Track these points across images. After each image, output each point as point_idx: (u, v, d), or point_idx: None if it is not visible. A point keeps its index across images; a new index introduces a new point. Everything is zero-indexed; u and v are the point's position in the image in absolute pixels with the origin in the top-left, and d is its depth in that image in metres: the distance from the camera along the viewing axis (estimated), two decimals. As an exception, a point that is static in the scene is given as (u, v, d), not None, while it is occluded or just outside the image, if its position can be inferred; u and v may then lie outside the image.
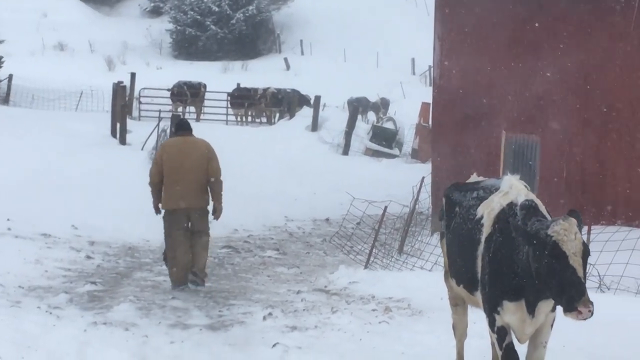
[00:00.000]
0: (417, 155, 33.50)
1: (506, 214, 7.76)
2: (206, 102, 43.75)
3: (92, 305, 12.37)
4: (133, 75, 42.77)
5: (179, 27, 78.97)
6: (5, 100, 43.13)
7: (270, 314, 12.17)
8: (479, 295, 8.08)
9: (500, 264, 7.66)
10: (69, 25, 79.48)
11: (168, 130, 25.70)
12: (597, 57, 17.34)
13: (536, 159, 18.17)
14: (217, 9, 77.90)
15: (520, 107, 18.32)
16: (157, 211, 14.06)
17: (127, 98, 35.67)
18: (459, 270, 8.47)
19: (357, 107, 37.21)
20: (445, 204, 9.00)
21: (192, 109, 43.44)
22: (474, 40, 18.98)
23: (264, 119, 43.54)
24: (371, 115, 46.48)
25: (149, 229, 18.87)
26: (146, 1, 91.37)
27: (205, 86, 43.72)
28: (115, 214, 19.45)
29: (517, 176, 8.24)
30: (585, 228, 12.29)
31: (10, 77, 44.38)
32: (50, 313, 11.52)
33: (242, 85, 46.06)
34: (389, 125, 35.93)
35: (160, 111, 31.77)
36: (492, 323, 7.85)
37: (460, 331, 9.28)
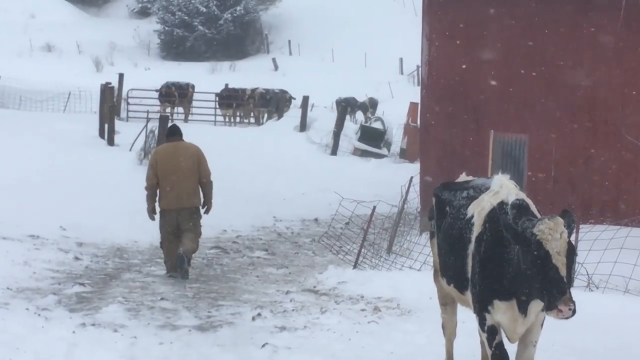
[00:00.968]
0: (405, 155, 33.51)
1: (497, 213, 7.76)
2: (194, 103, 43.75)
3: (81, 307, 12.33)
4: (121, 76, 42.73)
5: (166, 28, 78.98)
6: (-7, 101, 43.05)
7: (259, 314, 12.16)
8: (469, 295, 8.09)
9: (490, 263, 7.66)
10: (57, 26, 79.38)
11: (156, 131, 25.67)
12: (585, 56, 17.39)
13: (524, 158, 18.20)
14: (204, 10, 77.92)
15: (508, 106, 18.36)
16: (152, 216, 15.21)
17: (115, 99, 35.62)
18: (449, 270, 8.47)
19: (346, 107, 37.23)
20: (435, 203, 9.00)
21: (180, 109, 43.41)
22: (462, 40, 19.00)
23: (252, 120, 43.53)
24: (359, 115, 46.52)
25: (137, 230, 18.85)
26: (134, 2, 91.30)
27: (193, 87, 43.70)
28: (103, 215, 19.39)
29: (507, 175, 8.25)
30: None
31: (-3, 78, 44.31)
32: (39, 315, 11.48)
33: (230, 86, 46.03)
34: (377, 125, 35.93)
35: (148, 112, 31.75)
36: (482, 322, 7.85)
37: (449, 330, 9.29)
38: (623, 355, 10.19)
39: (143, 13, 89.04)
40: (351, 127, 35.64)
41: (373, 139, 34.40)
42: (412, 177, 18.30)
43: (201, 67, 69.89)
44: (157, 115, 30.01)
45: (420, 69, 24.39)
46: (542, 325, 7.93)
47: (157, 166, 14.79)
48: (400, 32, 71.73)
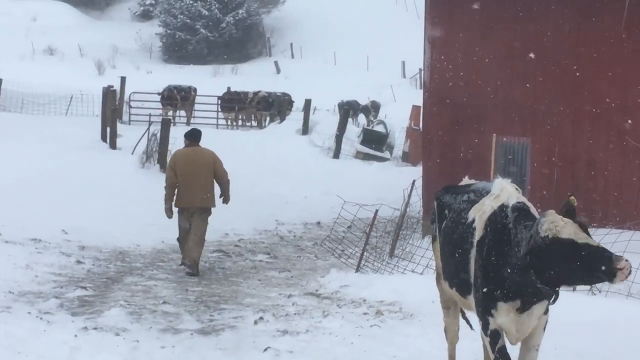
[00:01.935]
0: (407, 158, 33.46)
1: (497, 217, 7.75)
2: (196, 106, 43.71)
3: (83, 310, 12.33)
4: (123, 79, 42.74)
5: (169, 31, 78.98)
6: (-5, 105, 43.05)
7: (261, 318, 12.15)
8: (471, 298, 8.08)
9: (493, 266, 7.65)
10: (59, 29, 79.39)
11: (158, 135, 25.67)
12: (588, 59, 17.38)
13: (527, 162, 18.19)
14: (207, 13, 77.92)
15: (510, 109, 18.34)
16: (169, 214, 16.07)
17: (117, 102, 35.64)
18: (452, 274, 8.46)
19: (348, 110, 37.16)
20: (437, 207, 9.00)
21: (183, 113, 43.41)
22: (464, 43, 19.00)
23: (255, 123, 43.52)
24: (362, 119, 46.47)
25: (139, 233, 18.88)
26: (136, 5, 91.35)
27: (195, 90, 43.68)
28: (105, 218, 19.41)
29: (508, 179, 8.24)
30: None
31: (-1, 81, 44.32)
32: (41, 318, 11.48)
33: (232, 89, 46.00)
34: (379, 128, 35.87)
35: (150, 115, 31.78)
36: (485, 326, 7.84)
37: (452, 334, 9.28)
38: (625, 358, 10.18)
39: (145, 16, 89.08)
40: (353, 131, 35.59)
41: (375, 142, 34.36)
42: (414, 181, 18.28)
43: (203, 70, 69.91)
44: (159, 119, 30.00)
45: (422, 72, 24.40)
46: (544, 328, 7.92)
47: (175, 168, 15.88)
48: (403, 35, 71.72)
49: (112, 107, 31.04)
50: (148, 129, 26.66)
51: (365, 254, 15.96)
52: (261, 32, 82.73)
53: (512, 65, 18.31)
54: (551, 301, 7.39)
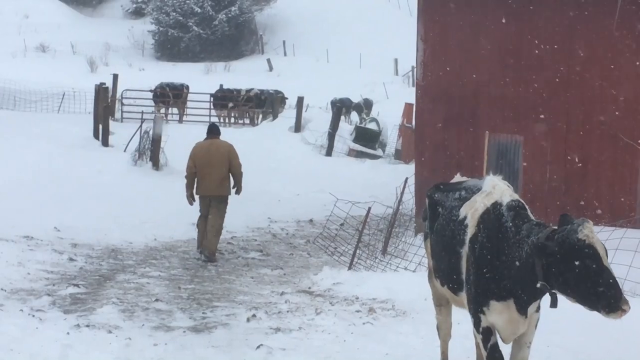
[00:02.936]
0: (400, 156, 33.48)
1: (491, 214, 7.76)
2: (189, 104, 43.71)
3: (75, 308, 12.32)
4: (115, 76, 42.72)
5: (161, 28, 78.93)
6: (-13, 102, 42.97)
7: (254, 315, 12.16)
8: (463, 296, 8.08)
9: (486, 264, 7.65)
10: (51, 26, 79.32)
11: (151, 132, 25.65)
12: (581, 58, 17.40)
13: (519, 159, 18.21)
14: (199, 10, 77.85)
15: (503, 107, 18.36)
16: (190, 200, 17.35)
17: (109, 99, 35.59)
18: (444, 271, 8.46)
19: (341, 107, 37.16)
20: (429, 204, 9.00)
21: (175, 110, 43.39)
22: (457, 40, 19.00)
23: (247, 120, 43.51)
24: (354, 116, 46.47)
25: (132, 231, 18.86)
26: (128, 2, 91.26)
27: (187, 87, 43.68)
28: (98, 215, 19.40)
29: (499, 176, 8.24)
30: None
31: (-9, 79, 44.25)
32: (33, 316, 11.48)
33: (224, 87, 46.00)
34: (372, 126, 35.88)
35: (142, 112, 31.65)
36: (477, 323, 7.84)
37: (444, 332, 9.29)
38: (617, 356, 10.20)
39: (137, 13, 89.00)
40: (346, 128, 35.59)
41: (368, 139, 34.38)
42: (407, 178, 18.28)
43: (196, 68, 69.86)
44: (152, 116, 29.97)
45: (415, 69, 24.39)
46: (536, 326, 7.93)
47: (194, 158, 17.17)
48: (395, 32, 71.72)
49: (105, 104, 31.01)
50: (140, 126, 26.64)
51: (358, 251, 15.96)
52: (254, 30, 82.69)
53: (505, 63, 18.32)
54: (551, 304, 7.34)
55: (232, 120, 43.81)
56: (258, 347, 10.49)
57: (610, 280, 6.93)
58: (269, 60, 73.08)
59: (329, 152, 32.16)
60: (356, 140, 34.03)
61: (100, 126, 29.24)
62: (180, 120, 42.05)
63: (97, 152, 27.14)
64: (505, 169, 17.86)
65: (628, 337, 10.52)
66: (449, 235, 8.25)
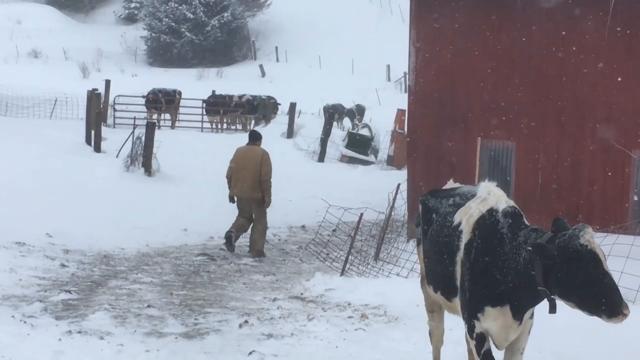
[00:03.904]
0: (392, 162, 33.49)
1: (486, 220, 7.75)
2: (181, 110, 43.69)
3: (67, 314, 12.28)
4: (108, 82, 42.69)
5: (153, 34, 78.97)
6: (-21, 108, 42.90)
7: (246, 321, 12.14)
8: (456, 302, 8.07)
9: (482, 269, 7.63)
10: (43, 32, 79.32)
11: (143, 138, 25.63)
12: (572, 63, 17.43)
13: (511, 165, 18.23)
14: (192, 16, 77.89)
15: (495, 113, 18.38)
16: (230, 200, 18.70)
17: (101, 105, 35.56)
18: (437, 277, 8.44)
19: (333, 113, 37.17)
20: (422, 210, 8.98)
21: (167, 116, 43.37)
22: (449, 47, 19.02)
23: (240, 126, 43.51)
24: (347, 122, 46.52)
25: (124, 236, 18.86)
26: (121, 8, 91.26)
27: (180, 93, 43.67)
28: (90, 221, 19.38)
29: (494, 182, 8.24)
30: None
31: (-17, 85, 44.19)
32: (25, 322, 11.44)
33: (217, 92, 46.01)
34: (364, 132, 35.92)
35: (135, 118, 31.69)
36: (471, 329, 7.83)
37: (436, 338, 9.28)
38: (609, 362, 10.21)
39: (130, 19, 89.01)
40: (338, 134, 35.63)
41: (360, 145, 34.41)
42: (399, 184, 18.29)
43: (188, 74, 69.87)
44: (144, 122, 29.96)
45: (407, 75, 24.39)
46: (529, 332, 7.92)
47: (233, 161, 18.53)
48: (388, 38, 71.80)
49: (97, 110, 30.98)
50: (132, 132, 26.63)
51: (350, 257, 15.96)
52: (246, 36, 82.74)
53: (497, 69, 18.34)
54: (549, 310, 7.33)
55: (225, 126, 43.81)
56: (250, 353, 10.47)
57: (612, 285, 6.95)
58: (261, 66, 73.13)
59: (321, 158, 32.17)
60: (348, 146, 34.06)
61: (93, 132, 29.21)
62: (173, 126, 42.04)
63: (89, 158, 27.11)
64: (498, 175, 17.88)
65: (618, 342, 10.53)
66: (443, 242, 8.23)
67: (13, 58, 71.41)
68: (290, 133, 34.39)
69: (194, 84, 61.61)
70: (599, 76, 17.13)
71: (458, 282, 7.96)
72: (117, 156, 26.77)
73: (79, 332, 11.17)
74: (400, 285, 13.90)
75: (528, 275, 7.27)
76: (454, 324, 9.35)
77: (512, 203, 7.89)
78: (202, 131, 41.04)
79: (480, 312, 7.68)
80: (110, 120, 39.90)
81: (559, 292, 7.11)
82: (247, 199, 18.27)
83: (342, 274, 15.42)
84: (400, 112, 33.30)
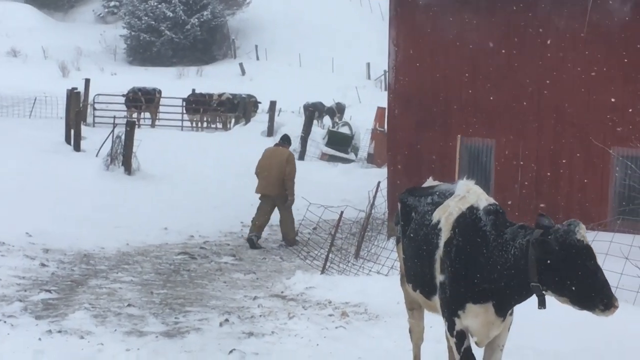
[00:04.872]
0: (372, 160, 33.55)
1: (467, 218, 7.76)
2: (161, 108, 43.68)
3: (47, 314, 12.25)
4: (87, 81, 42.58)
5: (133, 33, 78.80)
6: (-42, 107, 42.72)
7: (226, 320, 12.14)
8: (435, 300, 8.08)
9: (462, 267, 7.65)
10: (22, 31, 79.00)
11: (123, 137, 25.58)
12: (552, 61, 17.48)
13: (491, 163, 18.28)
14: (171, 15, 77.76)
15: (475, 111, 18.42)
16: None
17: (81, 104, 35.45)
18: (416, 276, 8.46)
19: (313, 112, 37.23)
20: (401, 209, 9.00)
21: (147, 115, 43.30)
22: (429, 44, 19.05)
23: (220, 125, 43.48)
24: (327, 120, 46.55)
25: (104, 236, 18.80)
26: (100, 7, 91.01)
27: (160, 92, 43.62)
28: (70, 221, 19.32)
29: (472, 181, 8.26)
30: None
31: (-38, 83, 44.00)
32: (4, 322, 11.40)
33: (197, 91, 45.97)
34: (344, 130, 35.94)
35: (115, 117, 31.61)
36: (451, 327, 7.84)
37: (416, 335, 9.31)
38: (588, 357, 10.25)
39: (109, 18, 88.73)
40: (319, 132, 35.65)
41: (340, 143, 34.44)
42: (379, 182, 18.31)
43: (168, 72, 69.75)
44: (124, 121, 29.89)
45: (387, 73, 24.40)
46: (509, 329, 7.95)
47: (260, 160, 19.70)
48: (368, 37, 71.95)
49: (77, 109, 30.88)
50: (112, 131, 26.56)
51: (330, 255, 15.98)
52: (226, 34, 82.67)
53: (477, 67, 18.38)
54: (539, 305, 7.35)
55: (205, 124, 43.78)
56: (231, 351, 10.48)
57: (604, 280, 7.05)
58: (241, 65, 73.07)
59: (301, 156, 32.18)
60: (329, 144, 34.09)
61: (72, 131, 29.14)
62: (153, 125, 42.00)
63: (69, 157, 27.05)
64: (478, 173, 17.92)
65: (598, 337, 10.59)
66: (422, 240, 8.24)
67: (-8, 57, 71.13)
68: (270, 131, 34.39)
69: (174, 83, 61.53)
70: (577, 73, 17.19)
71: (437, 281, 7.98)
72: (96, 155, 26.70)
73: (59, 331, 11.14)
74: (381, 283, 13.93)
75: (518, 272, 7.29)
76: (434, 322, 9.37)
77: (492, 201, 7.92)
78: (182, 130, 41.03)
79: (461, 309, 7.69)
80: (90, 119, 39.82)
81: (553, 287, 7.16)
82: (268, 195, 19.33)
83: (322, 272, 15.44)
84: (381, 110, 33.38)
